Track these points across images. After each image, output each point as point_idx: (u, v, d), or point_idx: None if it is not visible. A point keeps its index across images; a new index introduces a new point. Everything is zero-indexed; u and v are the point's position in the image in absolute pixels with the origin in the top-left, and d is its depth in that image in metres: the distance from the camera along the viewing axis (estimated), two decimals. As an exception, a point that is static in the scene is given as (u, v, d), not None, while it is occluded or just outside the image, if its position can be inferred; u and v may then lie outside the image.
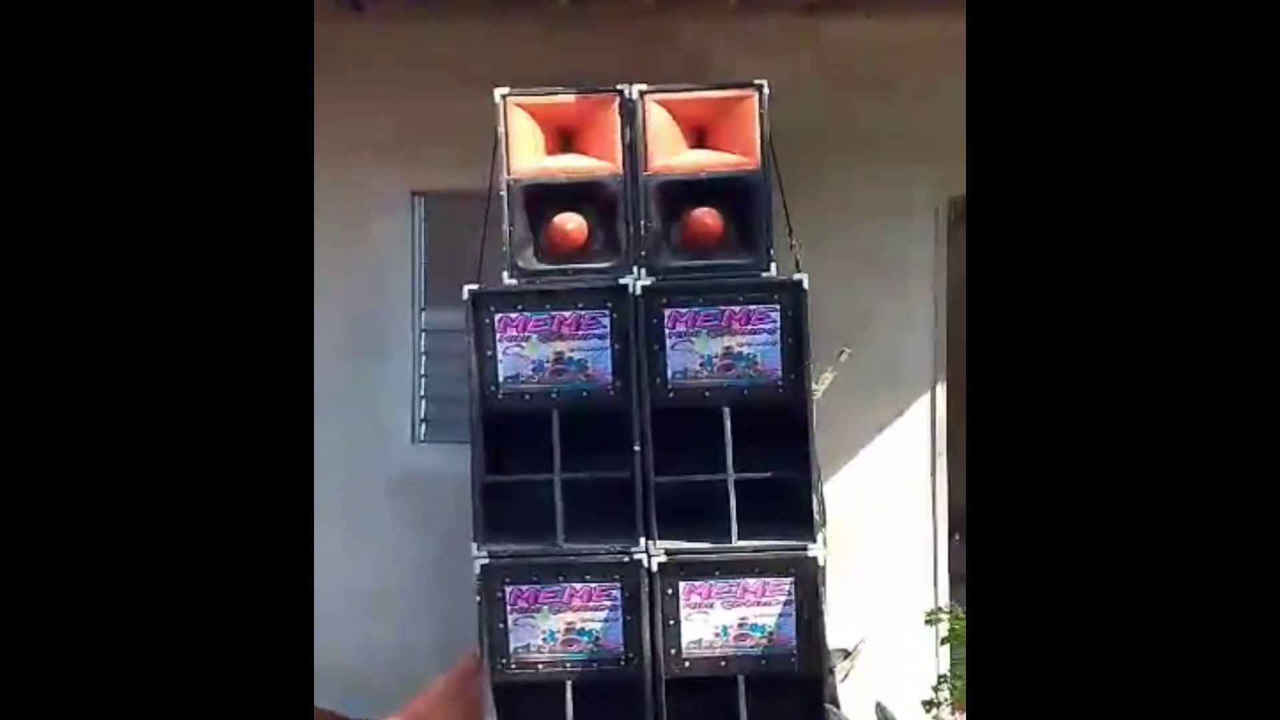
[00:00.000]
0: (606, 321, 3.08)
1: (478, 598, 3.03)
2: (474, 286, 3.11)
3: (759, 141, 3.10)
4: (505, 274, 3.13)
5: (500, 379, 3.11)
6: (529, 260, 3.16)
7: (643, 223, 3.10)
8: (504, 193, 3.13)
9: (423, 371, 3.98)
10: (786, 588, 3.00)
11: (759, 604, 3.01)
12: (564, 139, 3.24)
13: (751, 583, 3.00)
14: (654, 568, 3.00)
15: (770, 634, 3.01)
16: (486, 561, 3.04)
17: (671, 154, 3.15)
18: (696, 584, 3.01)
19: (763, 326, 3.05)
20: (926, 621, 2.95)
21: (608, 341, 3.09)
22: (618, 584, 3.02)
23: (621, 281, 3.08)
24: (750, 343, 3.06)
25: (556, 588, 3.04)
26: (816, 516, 3.03)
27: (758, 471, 3.03)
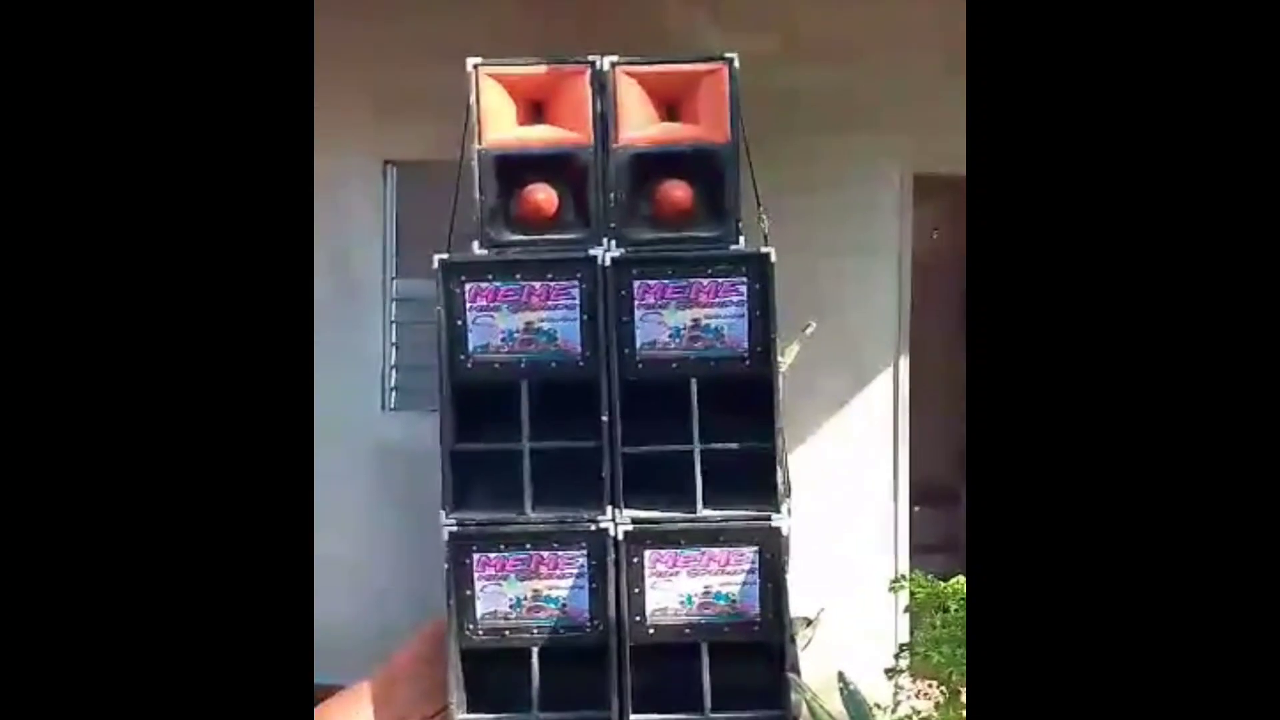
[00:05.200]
0: (576, 292, 3.10)
1: (446, 565, 3.06)
2: (444, 256, 3.12)
3: (729, 115, 3.11)
4: (476, 244, 3.14)
5: (470, 348, 3.12)
6: (500, 230, 3.17)
7: (613, 194, 3.11)
8: (475, 163, 3.13)
9: (393, 340, 4.00)
10: (751, 557, 3.04)
11: (723, 573, 3.04)
12: (535, 110, 3.24)
13: (716, 552, 3.04)
14: (620, 536, 3.03)
15: (734, 602, 3.05)
16: (455, 529, 3.06)
17: (642, 126, 3.15)
18: (662, 553, 3.04)
19: (730, 299, 3.07)
20: (890, 589, 3.00)
21: (577, 312, 3.10)
22: (584, 552, 3.05)
23: (591, 252, 3.10)
24: (718, 315, 3.08)
25: (524, 555, 3.07)
26: (781, 487, 3.07)
27: (724, 442, 3.06)
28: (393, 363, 3.94)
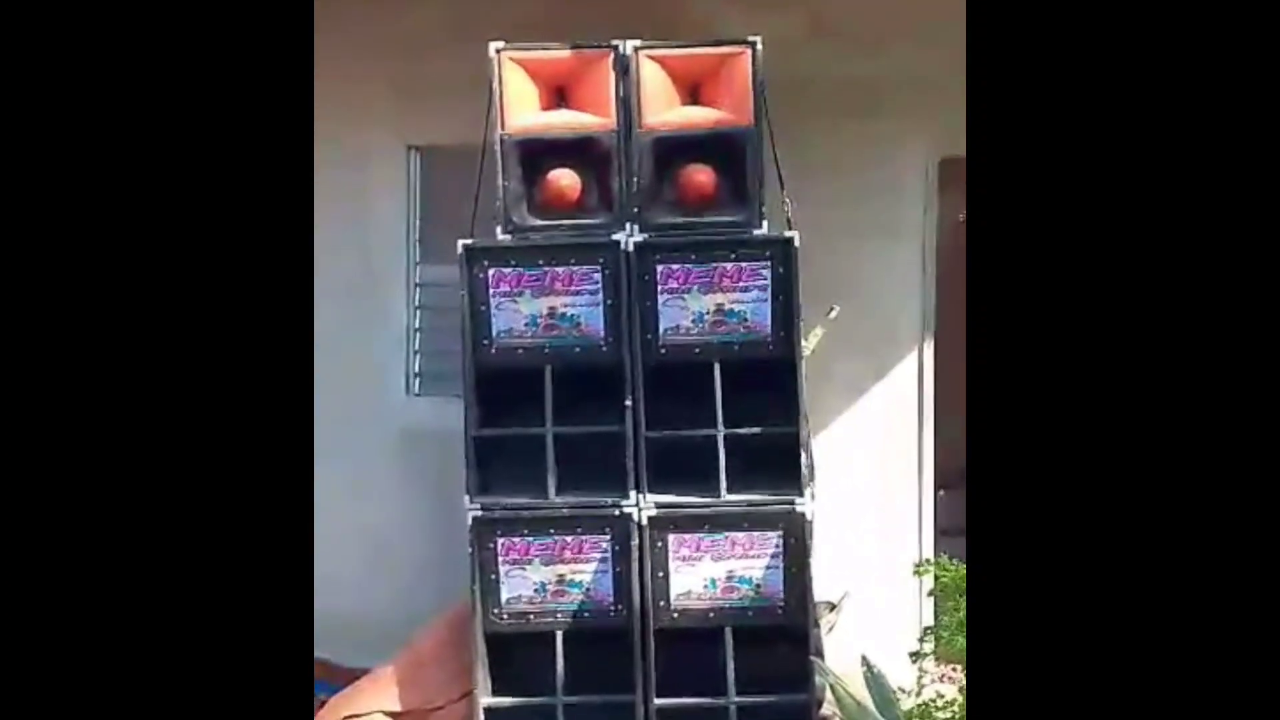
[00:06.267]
0: (599, 277, 3.10)
1: (470, 549, 3.08)
2: (468, 241, 3.12)
3: (752, 98, 3.10)
4: (499, 229, 3.15)
5: (494, 333, 3.13)
6: (523, 215, 3.17)
7: (635, 179, 3.11)
8: (498, 148, 3.13)
9: (417, 325, 4.01)
10: (774, 541, 3.04)
11: (747, 557, 3.05)
12: (558, 94, 3.23)
13: (740, 536, 3.04)
14: (644, 521, 3.03)
15: (758, 586, 3.05)
16: (479, 514, 3.08)
17: (665, 110, 3.14)
18: (686, 537, 3.05)
19: (754, 283, 3.07)
20: (915, 572, 2.99)
21: (600, 297, 3.10)
22: (608, 536, 3.06)
23: (614, 237, 3.10)
24: (741, 299, 3.08)
25: (548, 540, 3.08)
26: (805, 471, 3.07)
27: (748, 427, 3.06)
28: (416, 348, 3.96)
